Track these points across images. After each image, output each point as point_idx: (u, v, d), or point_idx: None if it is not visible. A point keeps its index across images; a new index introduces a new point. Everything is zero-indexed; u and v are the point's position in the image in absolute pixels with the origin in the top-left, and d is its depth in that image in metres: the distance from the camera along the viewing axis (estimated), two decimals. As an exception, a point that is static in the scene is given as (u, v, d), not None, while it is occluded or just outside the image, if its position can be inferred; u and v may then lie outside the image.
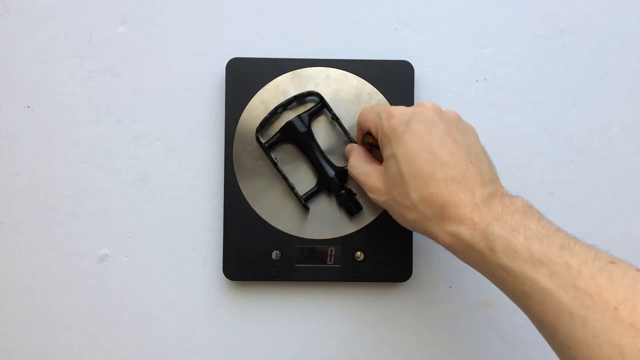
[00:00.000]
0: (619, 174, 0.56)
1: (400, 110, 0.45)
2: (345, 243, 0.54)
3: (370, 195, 0.47)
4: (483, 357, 0.56)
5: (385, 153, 0.45)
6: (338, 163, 0.54)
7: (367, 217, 0.54)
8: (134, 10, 0.56)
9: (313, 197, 0.54)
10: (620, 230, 0.56)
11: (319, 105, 0.54)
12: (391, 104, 0.54)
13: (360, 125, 0.51)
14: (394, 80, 0.55)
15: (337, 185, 0.53)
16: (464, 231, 0.39)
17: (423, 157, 0.42)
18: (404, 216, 0.44)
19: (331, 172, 0.54)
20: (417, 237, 0.56)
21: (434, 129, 0.43)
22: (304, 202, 0.53)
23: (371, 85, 0.55)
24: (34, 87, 0.56)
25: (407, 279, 0.55)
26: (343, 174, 0.54)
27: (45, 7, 0.56)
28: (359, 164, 0.49)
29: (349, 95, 0.55)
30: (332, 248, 0.54)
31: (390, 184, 0.44)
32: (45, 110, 0.56)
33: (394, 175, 0.43)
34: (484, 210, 0.39)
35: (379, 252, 0.54)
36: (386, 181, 0.45)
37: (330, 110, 0.54)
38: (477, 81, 0.56)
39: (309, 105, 0.55)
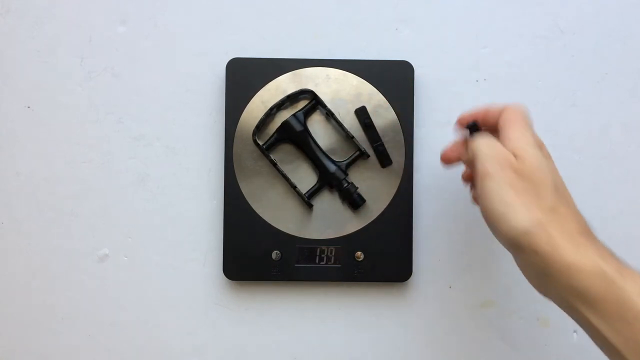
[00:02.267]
0: (619, 174, 0.56)
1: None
2: (345, 243, 0.54)
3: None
4: (483, 357, 0.56)
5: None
6: (337, 158, 0.54)
7: (369, 214, 0.54)
8: (134, 10, 0.56)
9: (315, 195, 0.54)
10: (620, 230, 0.56)
11: (313, 103, 0.54)
12: (391, 104, 0.54)
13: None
14: (394, 80, 0.55)
15: (339, 179, 0.53)
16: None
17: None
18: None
19: (332, 167, 0.54)
20: (417, 237, 0.56)
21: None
22: (307, 199, 0.53)
23: (371, 85, 0.55)
24: (34, 87, 0.56)
25: (407, 279, 0.55)
26: (344, 168, 0.54)
27: (45, 7, 0.56)
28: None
29: (349, 95, 0.55)
30: (332, 248, 0.54)
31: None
32: (45, 110, 0.56)
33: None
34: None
35: (379, 252, 0.54)
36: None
37: (324, 106, 0.54)
38: (477, 81, 0.56)
39: (303, 104, 0.55)
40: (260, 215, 0.54)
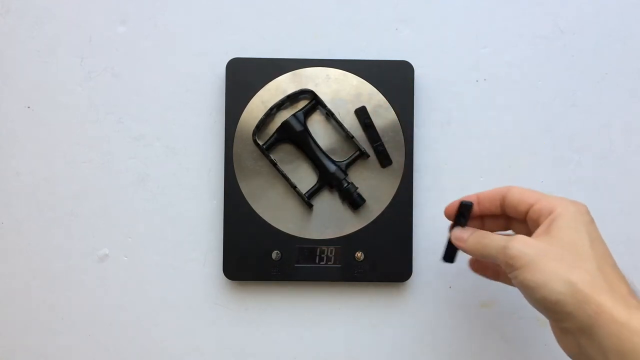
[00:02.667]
0: (619, 174, 0.56)
1: None
2: (345, 243, 0.54)
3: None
4: (483, 357, 0.56)
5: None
6: (337, 158, 0.54)
7: (368, 215, 0.54)
8: (134, 10, 0.56)
9: (315, 195, 0.54)
10: (620, 230, 0.56)
11: (313, 103, 0.54)
12: (391, 104, 0.54)
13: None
14: (394, 80, 0.55)
15: (339, 179, 0.53)
16: None
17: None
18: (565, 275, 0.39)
19: (332, 167, 0.54)
20: (417, 237, 0.56)
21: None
22: (307, 199, 0.53)
23: (371, 85, 0.55)
24: (34, 87, 0.56)
25: (407, 279, 0.55)
26: (344, 168, 0.54)
27: (45, 7, 0.56)
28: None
29: (349, 95, 0.55)
30: (332, 248, 0.54)
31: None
32: (45, 110, 0.56)
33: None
34: None
35: (379, 252, 0.54)
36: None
37: (324, 106, 0.54)
38: (477, 81, 0.56)
39: (303, 104, 0.55)
40: (260, 215, 0.54)
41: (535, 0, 0.57)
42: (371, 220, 0.54)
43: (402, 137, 0.55)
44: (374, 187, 0.55)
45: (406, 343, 0.56)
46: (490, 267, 0.49)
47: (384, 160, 0.55)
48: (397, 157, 0.55)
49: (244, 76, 0.55)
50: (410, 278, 0.55)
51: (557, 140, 0.56)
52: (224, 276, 0.55)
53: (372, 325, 0.56)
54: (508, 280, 0.48)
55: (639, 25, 0.57)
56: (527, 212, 0.44)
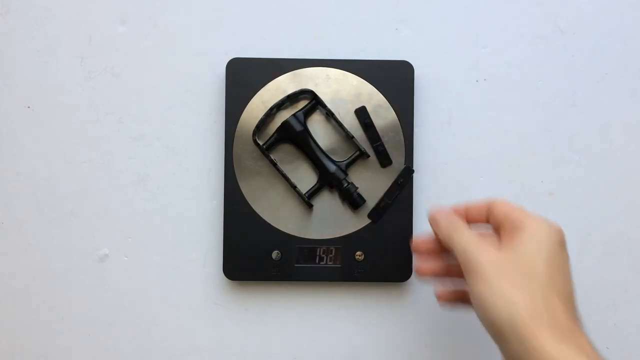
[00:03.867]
0: (619, 174, 0.56)
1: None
2: (345, 243, 0.54)
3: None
4: (483, 357, 0.56)
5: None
6: (337, 158, 0.54)
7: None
8: (134, 10, 0.56)
9: (315, 195, 0.54)
10: (620, 230, 0.56)
11: (313, 103, 0.54)
12: (391, 104, 0.54)
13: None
14: (394, 80, 0.55)
15: (339, 179, 0.53)
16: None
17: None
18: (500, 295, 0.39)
19: (332, 167, 0.54)
20: (417, 237, 0.56)
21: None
22: (307, 199, 0.53)
23: (371, 85, 0.55)
24: (34, 87, 0.56)
25: (407, 279, 0.55)
26: (344, 168, 0.54)
27: (45, 7, 0.56)
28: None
29: (349, 95, 0.55)
30: (332, 248, 0.54)
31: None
32: (45, 110, 0.56)
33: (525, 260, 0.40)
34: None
35: (379, 252, 0.54)
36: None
37: (324, 106, 0.54)
38: (477, 81, 0.56)
39: (303, 104, 0.55)
40: (260, 215, 0.54)
41: (535, 0, 0.57)
42: (371, 220, 0.54)
43: (402, 137, 0.55)
44: (374, 187, 0.55)
45: (406, 343, 0.56)
46: (460, 297, 0.48)
47: (384, 160, 0.55)
48: (397, 157, 0.55)
49: (244, 76, 0.55)
50: (410, 278, 0.55)
51: (557, 140, 0.56)
52: (224, 276, 0.55)
53: (372, 325, 0.56)
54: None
55: (639, 25, 0.57)
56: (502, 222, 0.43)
